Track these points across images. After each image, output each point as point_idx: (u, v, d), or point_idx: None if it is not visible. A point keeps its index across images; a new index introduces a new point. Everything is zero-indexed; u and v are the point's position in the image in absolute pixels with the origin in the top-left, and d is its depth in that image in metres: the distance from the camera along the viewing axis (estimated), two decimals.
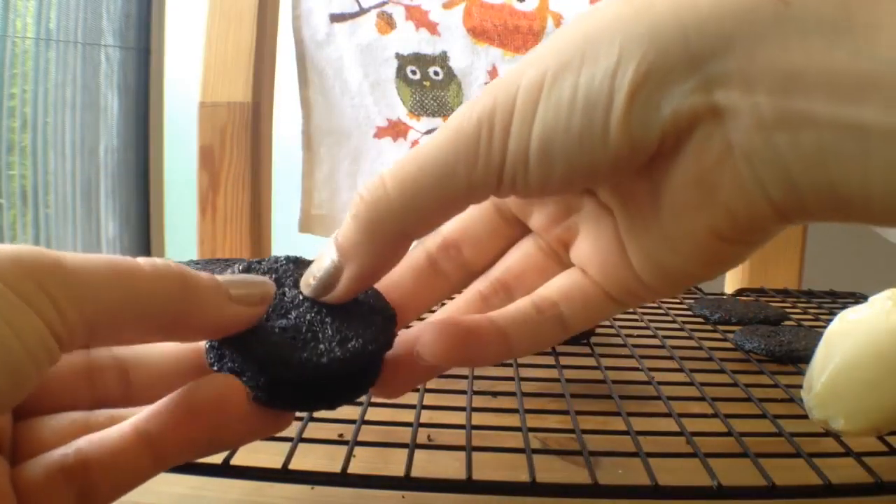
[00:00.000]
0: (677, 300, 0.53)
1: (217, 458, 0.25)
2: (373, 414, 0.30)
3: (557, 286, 0.21)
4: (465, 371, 0.35)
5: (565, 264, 0.22)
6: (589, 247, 0.21)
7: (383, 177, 0.19)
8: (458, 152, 0.18)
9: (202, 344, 0.20)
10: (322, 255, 0.20)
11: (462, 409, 0.30)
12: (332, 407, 0.20)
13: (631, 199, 0.19)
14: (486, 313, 0.21)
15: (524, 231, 0.23)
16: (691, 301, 0.52)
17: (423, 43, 0.70)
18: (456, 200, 0.19)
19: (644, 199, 0.19)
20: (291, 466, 0.25)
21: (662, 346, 0.41)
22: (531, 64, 0.17)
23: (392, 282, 0.22)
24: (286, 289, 0.21)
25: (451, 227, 0.23)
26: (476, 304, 0.22)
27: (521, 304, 0.21)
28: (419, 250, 0.23)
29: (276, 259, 0.22)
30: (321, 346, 0.19)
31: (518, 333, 0.20)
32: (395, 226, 0.19)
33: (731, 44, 0.16)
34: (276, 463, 0.25)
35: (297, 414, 0.29)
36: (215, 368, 0.20)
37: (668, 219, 0.18)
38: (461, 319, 0.20)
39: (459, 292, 0.23)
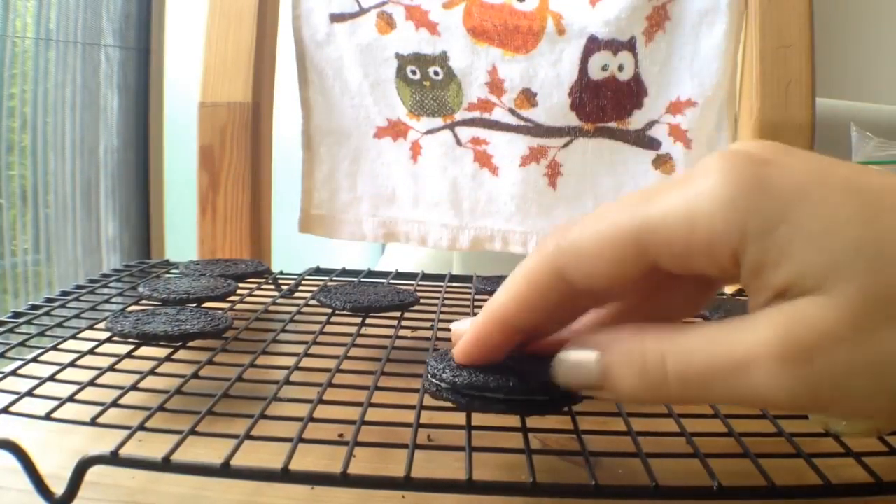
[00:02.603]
0: None
1: (217, 459, 0.25)
2: (373, 414, 0.30)
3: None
4: None
5: None
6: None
7: (667, 365, 0.21)
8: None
9: None
10: (585, 364, 0.23)
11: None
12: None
13: None
14: None
15: None
16: None
17: (423, 43, 0.70)
18: None
19: None
20: (291, 467, 0.25)
21: None
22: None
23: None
24: None
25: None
26: None
27: None
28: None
29: None
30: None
31: None
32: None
33: None
34: (276, 463, 0.25)
35: (297, 414, 0.29)
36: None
37: None
38: None
39: None
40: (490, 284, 0.51)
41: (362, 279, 0.55)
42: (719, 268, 0.20)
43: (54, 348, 0.36)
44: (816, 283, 0.19)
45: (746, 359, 0.19)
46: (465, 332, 0.26)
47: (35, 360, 0.34)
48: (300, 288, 0.54)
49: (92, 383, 0.32)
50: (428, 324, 0.44)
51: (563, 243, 0.23)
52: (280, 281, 0.56)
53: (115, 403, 0.30)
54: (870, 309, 0.18)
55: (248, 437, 0.27)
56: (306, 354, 0.37)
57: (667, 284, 0.24)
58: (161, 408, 0.29)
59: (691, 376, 0.20)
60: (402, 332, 0.43)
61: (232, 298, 0.47)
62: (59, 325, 0.40)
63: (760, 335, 0.19)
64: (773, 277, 0.19)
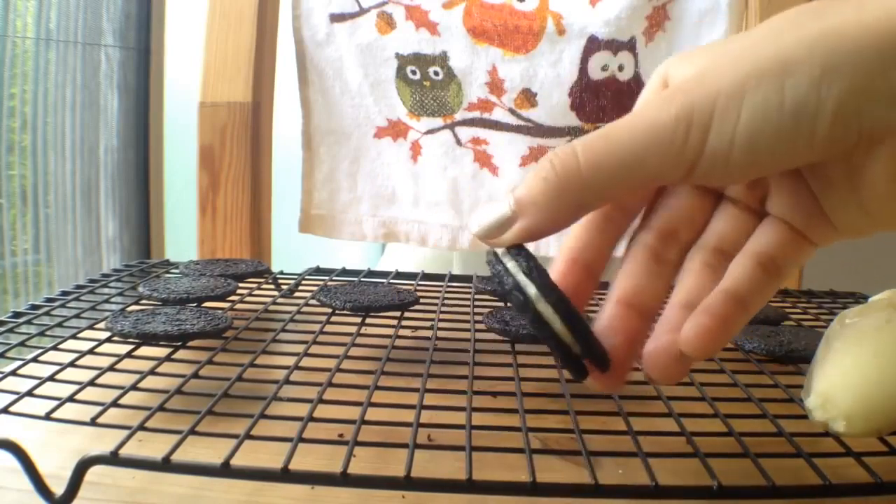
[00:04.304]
0: None
1: (217, 459, 0.25)
2: (373, 414, 0.30)
3: (769, 241, 0.24)
4: (464, 371, 0.35)
5: (761, 215, 0.25)
6: (787, 201, 0.24)
7: (576, 149, 0.21)
8: (651, 144, 0.20)
9: None
10: (498, 204, 0.22)
11: (462, 409, 0.30)
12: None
13: (825, 174, 0.22)
14: (723, 287, 0.23)
15: (718, 196, 0.26)
16: None
17: (423, 43, 0.70)
18: (642, 186, 0.22)
19: (839, 177, 0.22)
20: (291, 467, 0.25)
21: None
22: (725, 68, 0.20)
23: (632, 286, 0.25)
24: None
25: (663, 217, 0.25)
26: (709, 277, 0.24)
27: (749, 270, 0.24)
28: (639, 249, 0.25)
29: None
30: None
31: (755, 300, 0.23)
32: (577, 196, 0.21)
33: None
34: (276, 463, 0.25)
35: (297, 414, 0.29)
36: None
37: (868, 200, 0.21)
38: (714, 311, 0.22)
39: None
40: (490, 284, 0.51)
41: (362, 279, 0.55)
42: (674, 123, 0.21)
43: (54, 348, 0.36)
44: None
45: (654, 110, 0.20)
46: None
47: (35, 360, 0.34)
48: (300, 288, 0.54)
49: (92, 383, 0.32)
50: (428, 323, 0.44)
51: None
52: (280, 281, 0.56)
53: (115, 403, 0.30)
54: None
55: (248, 436, 0.27)
56: (306, 354, 0.37)
57: (679, 188, 0.25)
58: (161, 408, 0.29)
59: (604, 150, 0.21)
60: (402, 332, 0.43)
61: (232, 298, 0.47)
62: (59, 324, 0.40)
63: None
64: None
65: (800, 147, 0.20)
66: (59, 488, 0.25)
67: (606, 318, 0.25)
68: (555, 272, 0.25)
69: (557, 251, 0.26)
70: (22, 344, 0.37)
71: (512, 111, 0.70)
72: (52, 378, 0.32)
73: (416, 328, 0.44)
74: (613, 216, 0.25)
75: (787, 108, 0.19)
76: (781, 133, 0.19)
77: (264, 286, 0.54)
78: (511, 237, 0.22)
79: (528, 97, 0.70)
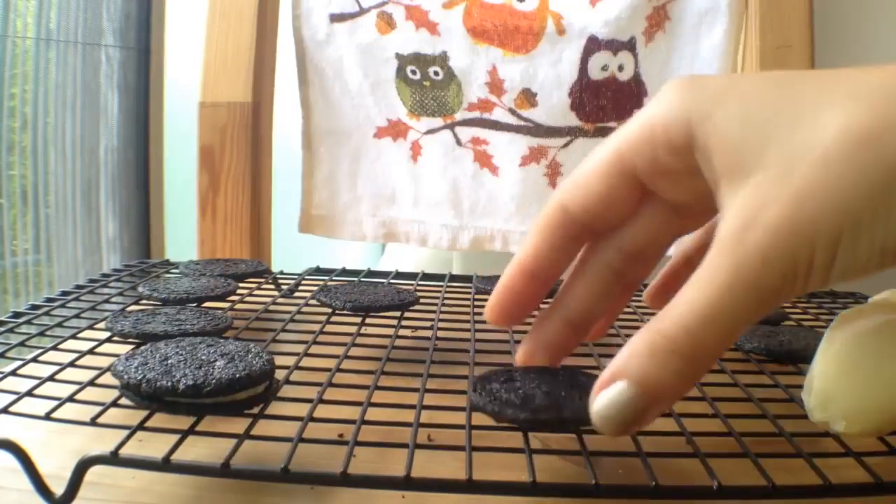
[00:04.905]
0: None
1: (217, 459, 0.25)
2: (373, 414, 0.30)
3: None
4: (464, 371, 0.35)
5: None
6: None
7: (686, 326, 0.21)
8: (763, 304, 0.20)
9: None
10: (615, 394, 0.22)
11: (462, 409, 0.30)
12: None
13: None
14: None
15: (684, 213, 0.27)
16: None
17: (423, 43, 0.70)
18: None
19: None
20: (291, 467, 0.25)
21: None
22: (819, 211, 0.20)
23: (585, 309, 0.27)
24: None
25: (630, 238, 0.27)
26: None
27: None
28: (604, 269, 0.27)
29: None
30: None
31: None
32: (701, 367, 0.21)
33: None
34: (277, 463, 0.25)
35: (297, 414, 0.29)
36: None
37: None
38: None
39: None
40: (490, 284, 0.51)
41: (362, 279, 0.55)
42: (683, 161, 0.23)
43: (54, 348, 0.36)
44: (755, 160, 0.21)
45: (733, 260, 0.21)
46: (494, 291, 0.28)
47: (35, 360, 0.34)
48: (300, 288, 0.54)
49: (92, 383, 0.32)
50: (428, 324, 0.44)
51: (564, 184, 0.26)
52: (280, 281, 0.56)
53: (114, 403, 0.30)
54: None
55: (248, 436, 0.27)
56: (306, 354, 0.37)
57: (650, 209, 0.26)
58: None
59: (707, 317, 0.20)
60: (402, 332, 0.43)
61: (232, 298, 0.47)
62: (59, 324, 0.40)
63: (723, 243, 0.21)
64: (720, 157, 0.22)
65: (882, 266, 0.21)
66: (59, 488, 0.25)
67: (552, 334, 0.28)
68: (504, 278, 0.27)
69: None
70: (22, 344, 0.37)
71: (512, 111, 0.70)
72: (52, 378, 0.32)
73: (416, 328, 0.44)
74: (578, 235, 0.26)
75: (876, 256, 0.20)
76: (866, 268, 0.20)
77: (264, 286, 0.54)
78: (646, 424, 0.22)
79: (528, 97, 0.70)
